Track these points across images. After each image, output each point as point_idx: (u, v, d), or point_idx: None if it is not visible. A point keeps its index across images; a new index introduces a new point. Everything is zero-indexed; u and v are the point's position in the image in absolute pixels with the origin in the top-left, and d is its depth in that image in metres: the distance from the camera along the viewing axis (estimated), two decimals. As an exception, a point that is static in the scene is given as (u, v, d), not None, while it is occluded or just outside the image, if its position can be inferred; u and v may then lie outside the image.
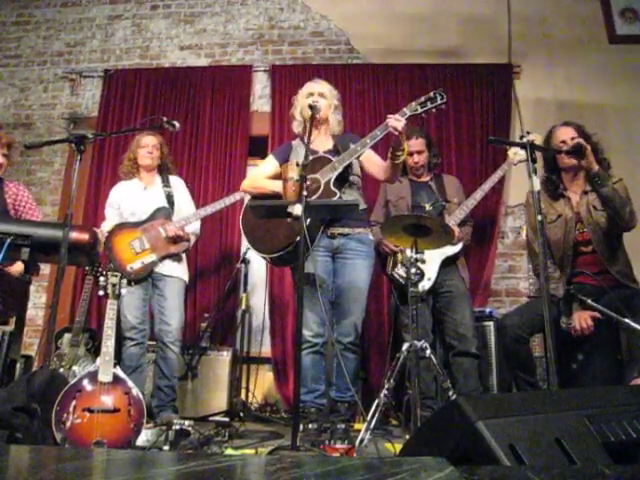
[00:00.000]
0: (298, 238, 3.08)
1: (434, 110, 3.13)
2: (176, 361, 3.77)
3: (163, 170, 4.04)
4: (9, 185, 3.64)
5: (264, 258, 3.38)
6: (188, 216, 3.89)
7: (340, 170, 3.19)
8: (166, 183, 4.00)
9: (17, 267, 3.22)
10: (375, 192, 4.28)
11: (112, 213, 3.98)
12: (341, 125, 3.53)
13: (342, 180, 3.25)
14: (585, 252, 3.28)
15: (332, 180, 3.17)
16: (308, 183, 2.72)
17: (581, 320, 3.03)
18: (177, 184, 4.07)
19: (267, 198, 3.33)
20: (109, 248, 3.77)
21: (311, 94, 3.42)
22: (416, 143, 3.93)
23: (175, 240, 3.80)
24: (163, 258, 3.81)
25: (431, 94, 3.10)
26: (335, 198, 3.16)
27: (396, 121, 2.99)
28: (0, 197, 3.57)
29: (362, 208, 3.35)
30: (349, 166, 3.27)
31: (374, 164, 3.40)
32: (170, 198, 3.94)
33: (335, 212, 3.23)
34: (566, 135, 3.30)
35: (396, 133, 3.01)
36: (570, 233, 3.28)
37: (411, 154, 3.91)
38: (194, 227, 3.96)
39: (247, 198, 3.55)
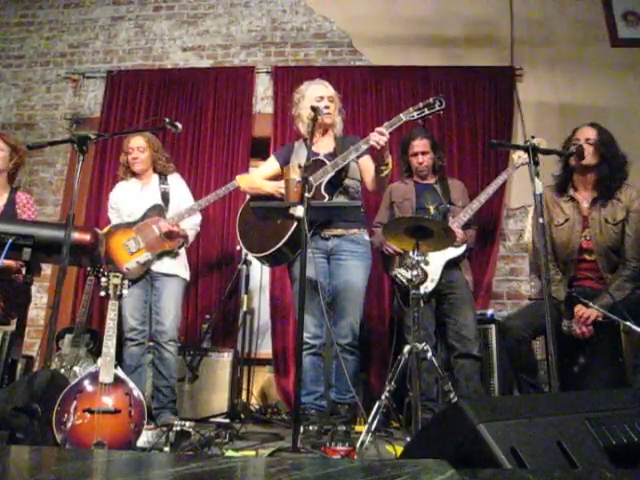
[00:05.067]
0: (286, 237, 3.10)
1: (431, 117, 3.12)
2: (173, 361, 3.75)
3: (160, 169, 4.02)
4: (20, 197, 3.67)
5: (256, 258, 3.39)
6: (181, 212, 3.87)
7: (332, 174, 3.18)
8: (163, 181, 3.99)
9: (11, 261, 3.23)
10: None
11: (114, 215, 4.00)
12: (342, 125, 3.53)
13: (335, 185, 3.24)
14: (588, 260, 3.27)
15: (323, 184, 3.17)
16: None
17: (580, 325, 3.05)
18: (174, 181, 4.05)
19: (266, 198, 3.33)
20: (105, 249, 3.77)
21: (321, 98, 3.40)
22: (420, 144, 3.92)
23: (170, 236, 3.80)
24: (159, 255, 3.80)
25: (430, 100, 3.09)
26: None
27: (379, 136, 2.98)
28: (11, 207, 3.60)
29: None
30: (343, 171, 3.26)
31: (367, 173, 3.38)
32: (165, 196, 3.93)
33: (335, 214, 3.23)
34: (582, 135, 3.29)
35: (377, 147, 2.99)
36: (576, 238, 3.26)
37: (415, 154, 3.91)
38: (192, 222, 3.95)
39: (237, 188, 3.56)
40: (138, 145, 3.91)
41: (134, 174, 3.98)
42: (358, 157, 3.28)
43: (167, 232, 3.78)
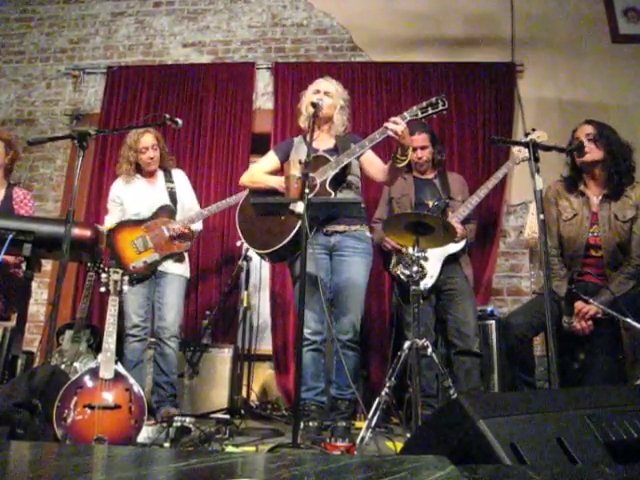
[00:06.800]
0: (291, 235, 3.09)
1: (435, 116, 3.11)
2: (174, 357, 3.75)
3: (165, 164, 4.01)
4: (18, 192, 3.67)
5: (258, 254, 3.38)
6: (192, 216, 3.87)
7: (337, 170, 3.19)
8: (169, 178, 3.97)
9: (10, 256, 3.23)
10: (376, 191, 4.28)
11: (115, 208, 3.95)
12: (345, 126, 3.51)
13: (339, 180, 3.24)
14: (594, 256, 3.25)
15: (328, 180, 3.17)
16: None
17: (580, 320, 3.05)
18: (179, 178, 4.04)
19: (265, 193, 3.33)
20: (111, 246, 3.76)
21: (317, 91, 3.42)
22: (419, 138, 3.90)
23: (180, 238, 3.80)
24: (166, 257, 3.80)
25: (433, 99, 3.08)
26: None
27: (395, 124, 2.98)
28: (9, 202, 3.60)
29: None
30: (347, 167, 3.26)
31: (373, 165, 3.39)
32: (173, 195, 3.92)
33: (336, 210, 3.23)
34: (581, 133, 3.29)
35: (395, 137, 3.00)
36: (584, 233, 3.25)
37: (414, 149, 3.85)
38: (196, 226, 3.96)
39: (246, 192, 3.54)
40: (152, 143, 3.87)
41: (139, 171, 3.95)
42: (359, 156, 3.28)
43: (179, 234, 3.79)
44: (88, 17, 5.87)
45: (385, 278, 4.52)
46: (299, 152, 3.38)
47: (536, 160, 2.74)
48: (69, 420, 2.59)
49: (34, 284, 4.06)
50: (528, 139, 2.88)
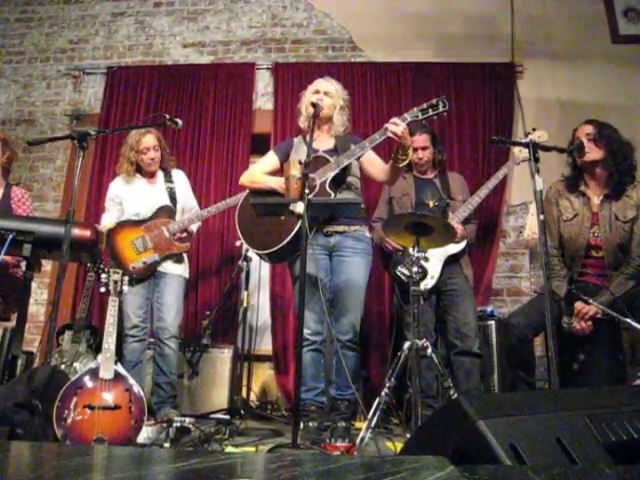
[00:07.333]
0: (291, 235, 3.09)
1: (435, 117, 3.12)
2: (174, 358, 3.75)
3: (165, 165, 4.00)
4: (16, 192, 3.67)
5: (258, 255, 3.38)
6: (191, 217, 3.88)
7: (337, 171, 3.19)
8: (168, 178, 3.97)
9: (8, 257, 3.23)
10: (376, 191, 4.28)
11: (113, 207, 3.95)
12: (345, 126, 3.51)
13: (338, 181, 3.24)
14: (595, 256, 3.25)
15: (328, 181, 3.17)
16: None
17: (580, 322, 3.05)
18: (179, 179, 4.03)
19: (265, 193, 3.33)
20: (111, 246, 3.76)
21: (317, 91, 3.42)
22: (420, 139, 3.89)
23: (180, 239, 3.80)
24: (165, 258, 3.80)
25: (433, 101, 3.08)
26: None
27: (395, 126, 2.99)
28: (7, 201, 3.60)
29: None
30: (347, 168, 3.26)
31: (374, 165, 3.39)
32: (172, 195, 3.92)
33: (336, 211, 3.23)
34: (581, 133, 3.30)
35: (396, 138, 3.00)
36: (584, 234, 3.25)
37: (415, 150, 3.85)
38: (195, 227, 3.97)
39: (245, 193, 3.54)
40: (154, 144, 3.86)
41: (139, 170, 3.93)
42: (359, 157, 3.28)
43: (180, 237, 3.79)
44: (88, 17, 5.87)
45: (385, 278, 4.52)
46: (299, 152, 3.38)
47: (536, 160, 2.73)
48: (69, 420, 2.59)
49: (34, 284, 4.06)
50: (528, 139, 2.87)
